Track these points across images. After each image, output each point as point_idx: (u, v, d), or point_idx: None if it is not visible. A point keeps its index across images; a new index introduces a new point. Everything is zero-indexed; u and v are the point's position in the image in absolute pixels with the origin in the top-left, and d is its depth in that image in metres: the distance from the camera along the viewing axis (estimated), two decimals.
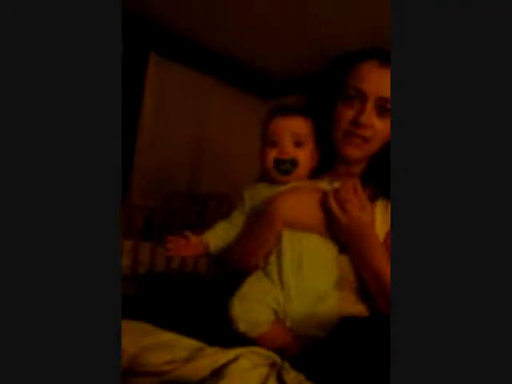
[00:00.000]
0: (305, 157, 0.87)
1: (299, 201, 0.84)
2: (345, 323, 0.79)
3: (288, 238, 0.83)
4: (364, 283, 0.86)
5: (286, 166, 0.86)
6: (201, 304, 0.96)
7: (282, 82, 2.32)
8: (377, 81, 0.88)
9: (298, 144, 0.87)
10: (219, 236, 0.89)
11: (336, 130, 0.92)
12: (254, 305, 0.80)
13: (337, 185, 0.86)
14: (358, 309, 0.86)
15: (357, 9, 1.71)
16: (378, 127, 0.89)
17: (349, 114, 0.90)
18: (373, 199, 0.91)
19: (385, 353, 0.64)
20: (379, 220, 0.89)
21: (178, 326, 0.74)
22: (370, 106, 0.88)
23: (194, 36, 2.13)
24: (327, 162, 0.95)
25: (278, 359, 0.70)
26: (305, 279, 0.80)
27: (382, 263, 0.82)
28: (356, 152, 0.92)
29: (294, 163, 0.86)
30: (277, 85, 2.43)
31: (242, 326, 0.79)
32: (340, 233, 0.83)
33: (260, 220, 0.85)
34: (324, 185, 0.87)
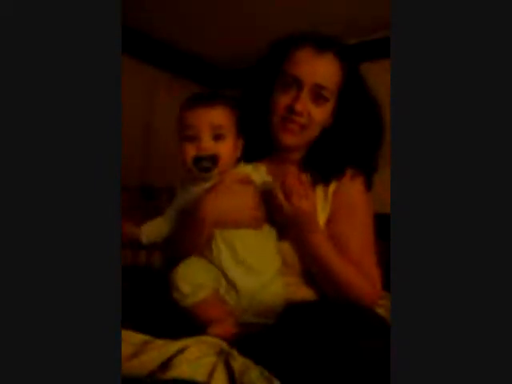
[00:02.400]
0: (226, 150, 0.82)
1: (227, 199, 0.83)
2: (291, 308, 0.80)
3: (220, 238, 0.82)
4: (310, 270, 0.87)
5: (206, 164, 0.81)
6: (149, 297, 0.95)
7: (232, 72, 2.31)
8: (312, 67, 0.88)
9: (218, 137, 0.81)
10: (153, 230, 0.89)
11: (272, 117, 0.91)
12: (199, 269, 0.81)
13: (264, 173, 0.87)
14: (304, 293, 0.87)
15: None
16: (314, 114, 0.89)
17: (285, 100, 0.89)
18: (312, 186, 0.92)
19: (331, 335, 0.66)
20: (319, 207, 0.90)
21: (125, 320, 0.74)
22: (305, 92, 0.88)
23: (144, 28, 2.08)
24: (265, 149, 0.96)
25: (225, 346, 0.71)
26: (246, 272, 0.81)
27: (326, 251, 0.83)
28: (293, 139, 0.91)
29: (214, 160, 0.81)
30: (227, 75, 2.42)
31: (185, 288, 0.78)
32: (285, 223, 0.83)
33: (189, 224, 0.83)
34: (252, 173, 0.87)
